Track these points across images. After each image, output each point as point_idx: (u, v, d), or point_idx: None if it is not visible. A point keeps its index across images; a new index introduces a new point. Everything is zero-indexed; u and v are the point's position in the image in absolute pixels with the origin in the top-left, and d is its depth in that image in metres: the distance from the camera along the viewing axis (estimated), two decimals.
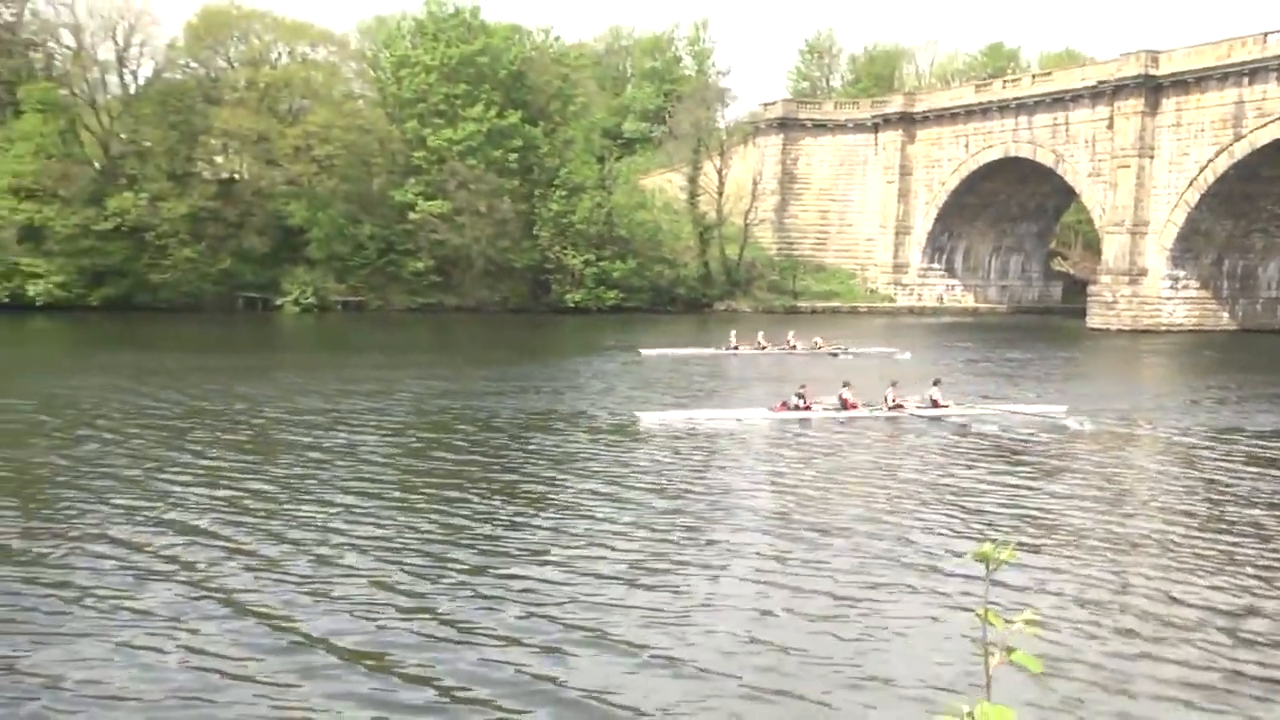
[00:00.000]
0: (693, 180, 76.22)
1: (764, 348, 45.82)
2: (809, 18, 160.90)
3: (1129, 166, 59.11)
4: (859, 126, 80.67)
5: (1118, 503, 18.90)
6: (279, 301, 62.58)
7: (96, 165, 62.22)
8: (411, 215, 64.51)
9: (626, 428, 25.93)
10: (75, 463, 20.52)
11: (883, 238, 79.58)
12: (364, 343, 49.52)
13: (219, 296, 62.08)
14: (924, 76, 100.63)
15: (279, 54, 67.87)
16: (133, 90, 64.84)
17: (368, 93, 71.34)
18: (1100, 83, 60.86)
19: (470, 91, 65.95)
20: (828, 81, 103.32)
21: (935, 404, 28.05)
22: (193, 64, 66.36)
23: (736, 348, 45.55)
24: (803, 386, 27.59)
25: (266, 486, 18.79)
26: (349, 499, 17.72)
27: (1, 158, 58.68)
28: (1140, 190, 58.94)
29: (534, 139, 68.53)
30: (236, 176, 66.15)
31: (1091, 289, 65.02)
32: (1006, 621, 2.19)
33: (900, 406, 27.77)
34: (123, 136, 63.44)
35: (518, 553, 14.78)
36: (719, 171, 74.75)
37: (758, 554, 14.95)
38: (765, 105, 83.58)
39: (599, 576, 13.53)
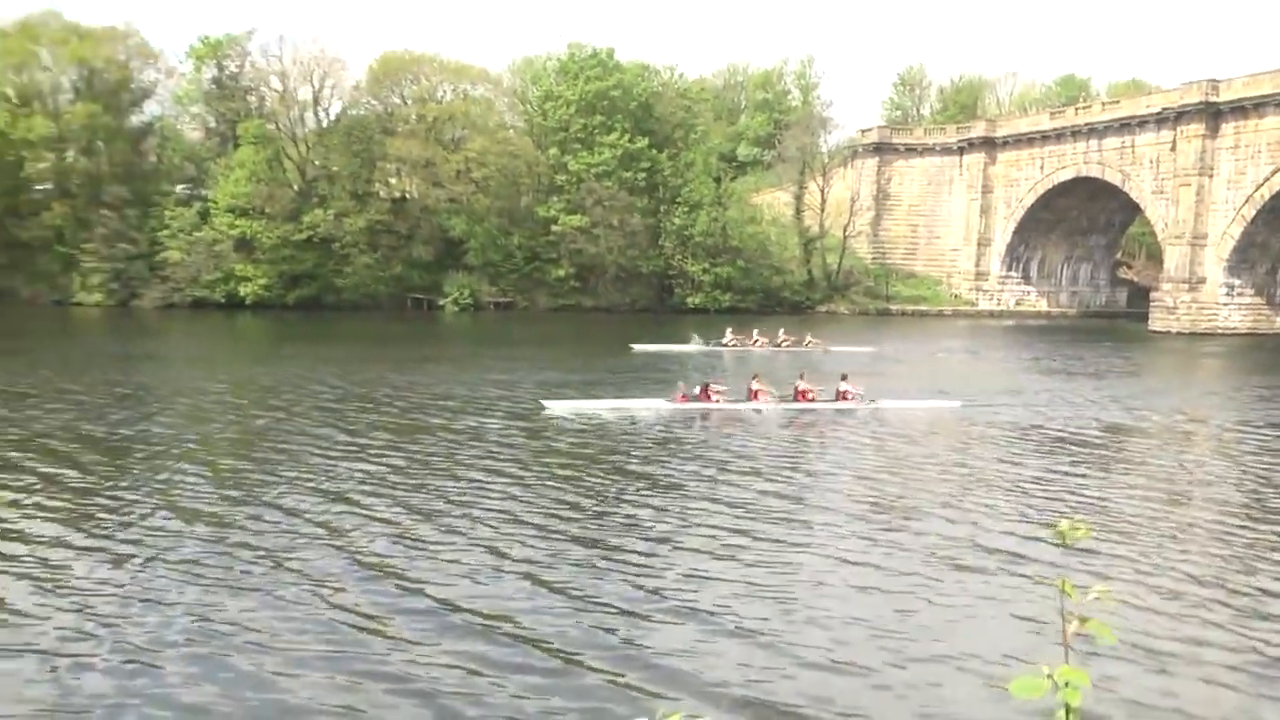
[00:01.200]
0: (798, 198, 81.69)
1: (755, 343, 47.24)
2: (902, 52, 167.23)
3: (1190, 184, 62.53)
4: (945, 150, 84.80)
5: (1162, 492, 18.95)
6: (441, 302, 70.44)
7: (295, 187, 70.59)
8: (554, 228, 71.72)
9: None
10: (252, 436, 22.89)
11: (966, 248, 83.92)
12: (511, 337, 53.58)
13: (391, 297, 70.43)
14: (1004, 105, 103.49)
15: (444, 91, 75.07)
16: (324, 124, 73.46)
17: (518, 123, 77.58)
18: (1165, 109, 64.46)
19: (605, 121, 72.96)
20: (918, 110, 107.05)
21: (842, 396, 28.54)
22: (373, 101, 74.21)
23: (729, 343, 47.23)
24: (717, 381, 28.95)
25: (408, 463, 19.96)
26: (481, 475, 18.80)
27: (224, 183, 68.37)
28: (1200, 206, 62.26)
29: (660, 162, 75.01)
30: (407, 195, 73.51)
31: (1154, 295, 67.75)
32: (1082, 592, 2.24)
33: (806, 396, 28.31)
34: (316, 163, 71.91)
35: (628, 526, 15.50)
36: (821, 190, 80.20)
37: (853, 534, 15.38)
38: (863, 131, 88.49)
39: (698, 552, 14.00)
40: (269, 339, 54.08)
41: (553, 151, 73.20)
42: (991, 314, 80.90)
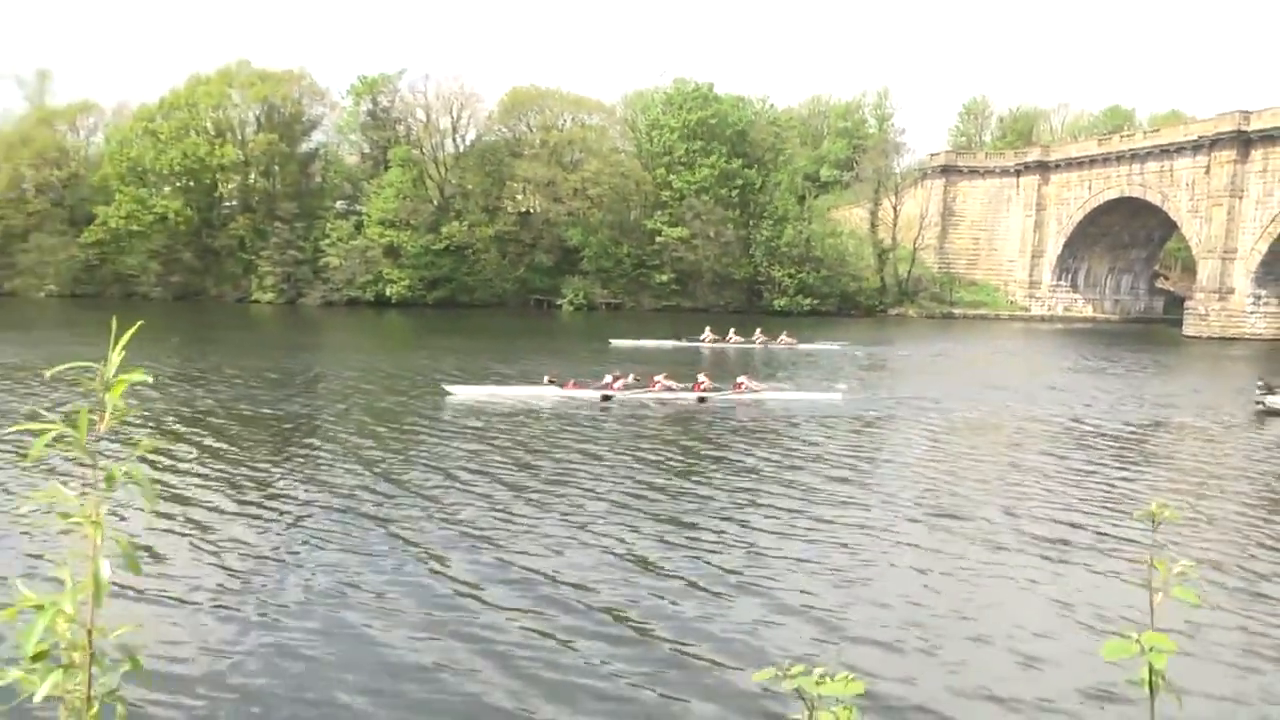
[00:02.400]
0: (873, 213, 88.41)
1: (730, 340, 49.59)
2: (967, 84, 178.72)
3: (1222, 204, 66.50)
4: (1004, 172, 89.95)
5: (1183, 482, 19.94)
6: (559, 302, 79.12)
7: (435, 203, 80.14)
8: (658, 239, 79.93)
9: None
10: (379, 414, 25.77)
11: (1021, 260, 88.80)
12: (613, 332, 54.00)
13: (516, 297, 79.44)
14: (1056, 132, 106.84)
15: (565, 120, 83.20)
16: (461, 149, 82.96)
17: (628, 147, 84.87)
18: (1200, 137, 68.48)
19: (704, 145, 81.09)
20: (980, 136, 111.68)
21: (739, 386, 30.03)
22: (503, 129, 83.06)
23: (706, 339, 49.69)
24: (617, 375, 30.02)
25: (511, 444, 22.07)
26: (589, 458, 20.51)
27: (376, 199, 78.64)
28: (1230, 224, 66.13)
29: (751, 181, 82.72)
30: (531, 210, 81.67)
31: (1188, 303, 70.99)
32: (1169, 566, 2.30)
33: (701, 386, 29.85)
34: (453, 182, 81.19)
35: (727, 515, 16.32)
36: (894, 207, 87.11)
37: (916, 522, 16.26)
38: (931, 155, 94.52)
39: (775, 534, 14.83)
40: (410, 332, 60.01)
41: (658, 172, 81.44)
42: (1043, 318, 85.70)
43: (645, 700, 9.48)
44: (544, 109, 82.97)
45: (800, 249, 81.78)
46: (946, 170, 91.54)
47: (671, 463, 20.96)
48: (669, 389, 29.75)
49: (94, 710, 1.98)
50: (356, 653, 10.33)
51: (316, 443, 22.41)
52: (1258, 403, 30.19)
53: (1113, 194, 79.64)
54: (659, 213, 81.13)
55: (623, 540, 14.69)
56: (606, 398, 28.87)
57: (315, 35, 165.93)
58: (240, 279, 79.68)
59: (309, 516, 15.70)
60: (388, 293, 77.11)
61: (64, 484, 2.06)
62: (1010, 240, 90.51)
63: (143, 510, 13.92)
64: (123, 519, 14.09)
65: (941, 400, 31.76)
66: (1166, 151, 73.13)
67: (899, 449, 23.89)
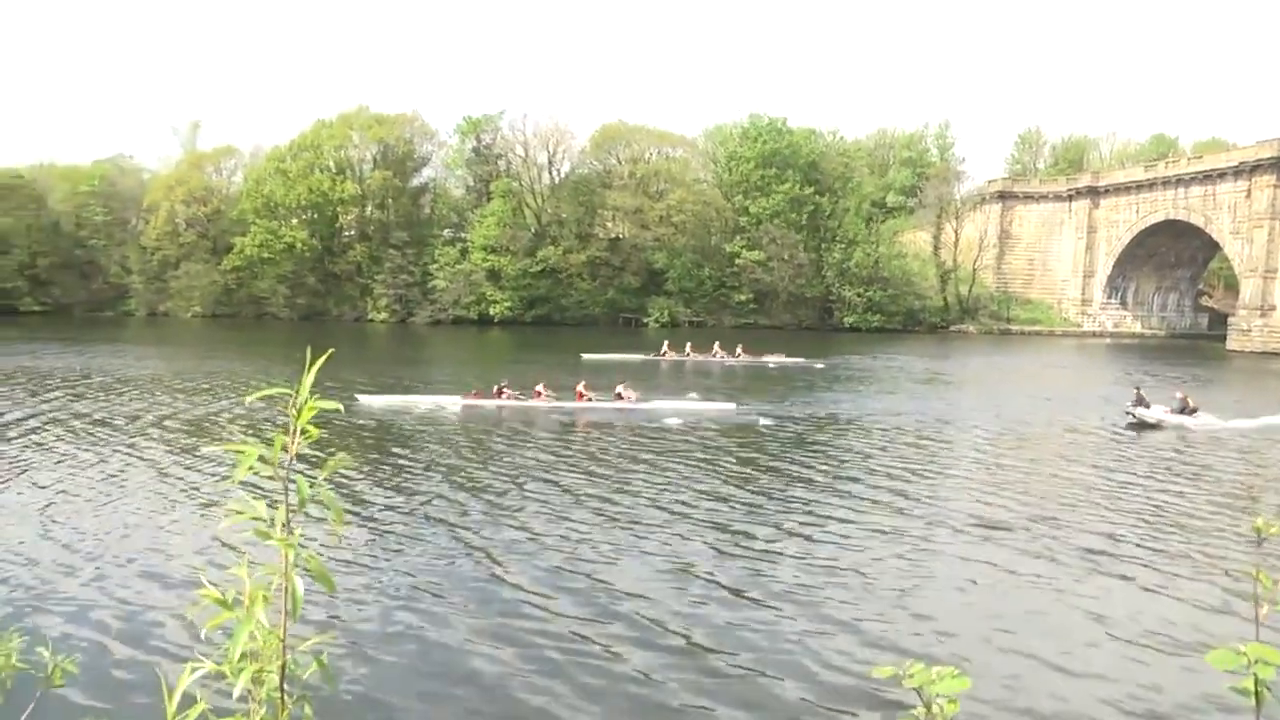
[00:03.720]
0: (935, 237, 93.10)
1: (689, 355, 51.03)
2: (1021, 115, 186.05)
3: (1262, 226, 69.18)
4: (1057, 197, 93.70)
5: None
6: (646, 320, 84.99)
7: (532, 230, 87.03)
8: (736, 261, 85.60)
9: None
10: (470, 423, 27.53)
11: (1073, 279, 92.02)
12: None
13: (606, 315, 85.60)
14: (1105, 159, 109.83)
15: (651, 153, 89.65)
16: (556, 181, 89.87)
17: (708, 177, 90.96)
18: (1242, 163, 71.49)
19: (778, 174, 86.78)
20: (1034, 164, 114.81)
21: (618, 397, 30.52)
22: (595, 162, 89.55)
23: (665, 354, 51.14)
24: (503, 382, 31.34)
25: (603, 452, 23.21)
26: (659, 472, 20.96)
27: (479, 227, 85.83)
28: (1271, 244, 68.74)
29: (822, 207, 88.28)
30: (620, 236, 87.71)
31: (1231, 320, 73.35)
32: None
33: (582, 397, 30.55)
34: (549, 211, 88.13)
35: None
36: (955, 230, 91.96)
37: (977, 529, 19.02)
38: (989, 182, 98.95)
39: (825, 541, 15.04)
40: (506, 347, 63.79)
41: (736, 199, 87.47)
42: (1094, 334, 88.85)
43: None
44: (631, 143, 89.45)
45: (869, 270, 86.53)
46: (1003, 196, 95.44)
47: (715, 477, 21.35)
48: (551, 398, 30.80)
49: (286, 712, 2.15)
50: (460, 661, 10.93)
51: (394, 443, 24.89)
52: (1128, 413, 29.93)
53: (1159, 217, 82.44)
54: (737, 237, 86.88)
55: (635, 548, 15.56)
56: (500, 407, 30.01)
57: (426, 80, 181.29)
58: (357, 300, 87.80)
59: (398, 521, 17.09)
60: (490, 312, 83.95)
61: (254, 498, 2.21)
62: (1063, 261, 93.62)
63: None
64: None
65: (1001, 411, 32.82)
66: (1209, 177, 75.95)
67: (951, 460, 24.51)
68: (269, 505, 2.28)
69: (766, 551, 15.32)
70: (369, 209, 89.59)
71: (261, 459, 2.18)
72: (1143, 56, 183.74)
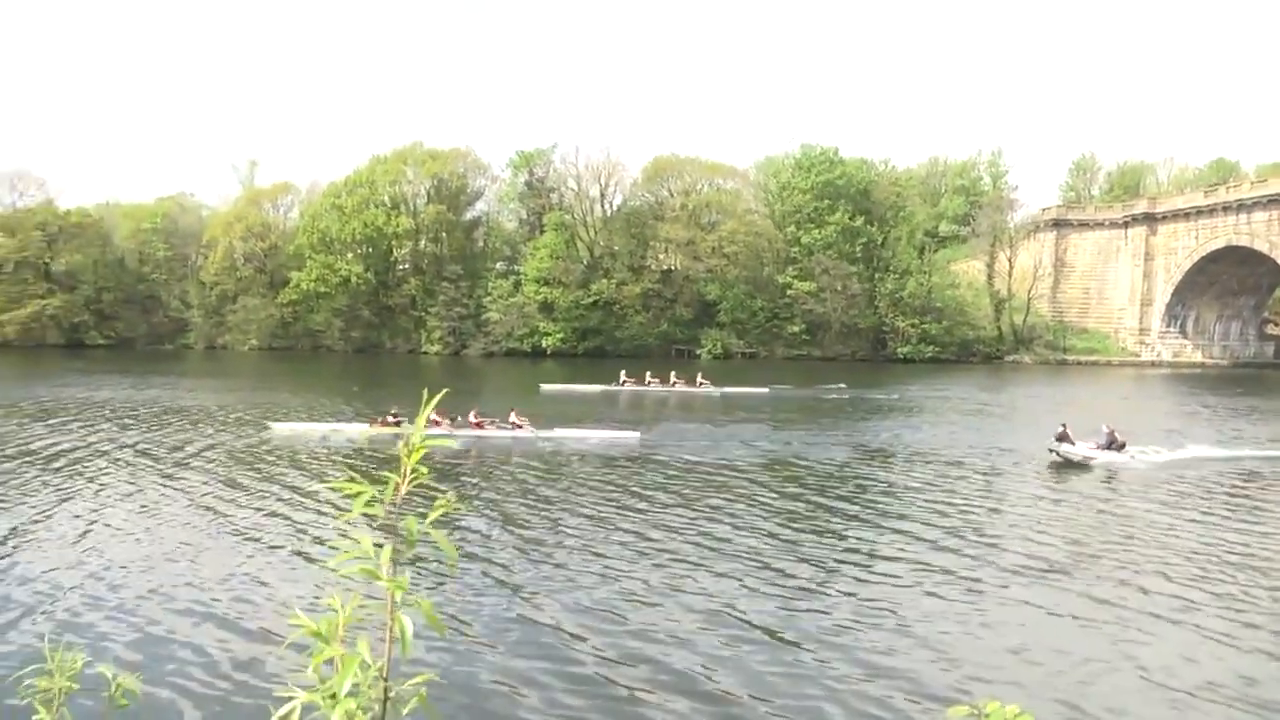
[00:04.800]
0: (989, 265, 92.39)
1: (649, 384, 50.92)
2: (1075, 141, 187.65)
3: None
4: (1113, 224, 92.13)
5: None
6: (698, 351, 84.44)
7: (585, 263, 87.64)
8: (789, 292, 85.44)
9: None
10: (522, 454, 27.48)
11: (1131, 308, 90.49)
12: (750, 379, 56.99)
13: (659, 347, 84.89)
14: (1162, 185, 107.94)
15: (702, 185, 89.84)
16: (608, 213, 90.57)
17: (760, 208, 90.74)
18: None
19: (830, 204, 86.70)
20: (1089, 190, 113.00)
21: (514, 425, 30.49)
22: (647, 194, 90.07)
23: (624, 383, 50.82)
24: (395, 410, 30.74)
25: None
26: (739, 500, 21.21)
27: (532, 260, 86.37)
28: None
29: (874, 237, 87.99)
30: (672, 268, 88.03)
31: None
32: None
33: (480, 425, 30.27)
34: (601, 243, 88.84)
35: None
36: (1009, 258, 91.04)
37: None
38: (1043, 210, 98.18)
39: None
40: (557, 378, 59.25)
41: (789, 230, 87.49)
42: (1152, 364, 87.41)
43: None
44: (683, 175, 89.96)
45: (922, 300, 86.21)
46: (1058, 223, 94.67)
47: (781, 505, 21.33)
48: (443, 424, 29.79)
49: None
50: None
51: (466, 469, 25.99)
52: (1051, 450, 28.64)
53: (1220, 243, 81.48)
54: (790, 268, 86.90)
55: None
56: (398, 427, 28.80)
57: (479, 115, 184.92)
58: (412, 333, 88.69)
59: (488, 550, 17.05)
60: (543, 344, 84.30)
61: (356, 536, 2.19)
62: (1120, 289, 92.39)
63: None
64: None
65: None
66: (1274, 200, 75.16)
67: (1001, 494, 23.82)
68: (375, 544, 2.27)
69: (798, 589, 14.90)
70: (423, 243, 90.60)
71: (374, 500, 2.20)
72: (1202, 80, 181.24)
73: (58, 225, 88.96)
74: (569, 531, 18.48)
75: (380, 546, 2.25)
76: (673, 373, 52.76)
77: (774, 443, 31.91)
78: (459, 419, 30.18)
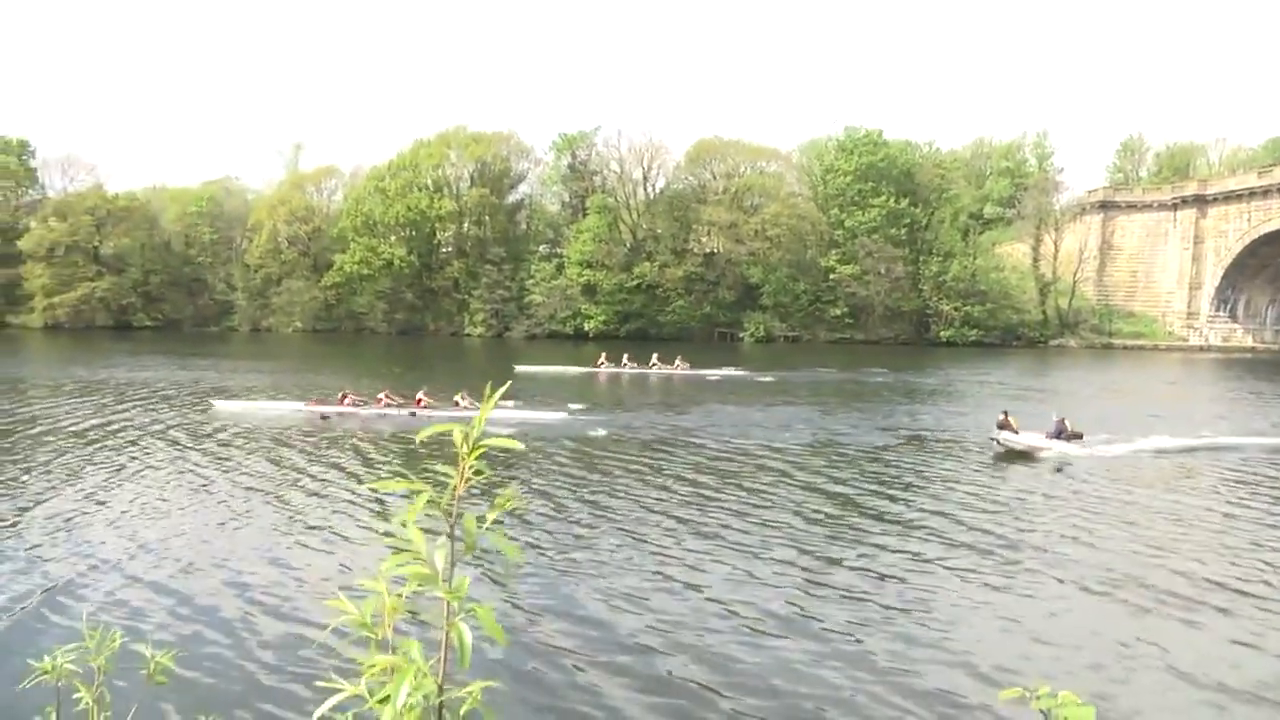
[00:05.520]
0: (1034, 248, 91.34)
1: (626, 366, 50.92)
2: (1123, 121, 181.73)
3: None
4: (1161, 206, 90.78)
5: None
6: (741, 335, 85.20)
7: (628, 245, 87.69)
8: (832, 275, 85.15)
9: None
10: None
11: (1179, 291, 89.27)
12: (794, 362, 58.96)
13: (701, 330, 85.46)
14: (1213, 166, 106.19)
15: (745, 168, 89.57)
16: (651, 196, 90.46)
17: (803, 191, 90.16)
18: None
19: (874, 187, 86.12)
20: (1137, 172, 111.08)
21: (457, 405, 30.06)
22: (689, 177, 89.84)
23: (601, 365, 50.99)
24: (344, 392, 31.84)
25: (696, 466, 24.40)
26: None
27: (574, 243, 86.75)
28: None
29: (918, 219, 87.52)
30: (715, 251, 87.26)
31: None
32: None
33: (421, 404, 30.70)
34: (644, 226, 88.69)
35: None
36: (1054, 241, 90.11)
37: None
38: (1089, 192, 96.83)
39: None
40: (585, 361, 60.97)
41: (832, 213, 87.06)
42: (1201, 349, 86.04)
43: None
44: (726, 158, 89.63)
45: (966, 283, 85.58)
46: (1105, 205, 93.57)
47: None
48: (390, 405, 30.98)
49: None
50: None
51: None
52: (992, 438, 26.89)
53: (1272, 225, 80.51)
54: (833, 251, 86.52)
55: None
56: (324, 416, 30.39)
57: (522, 98, 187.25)
58: (455, 315, 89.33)
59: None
60: (585, 327, 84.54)
61: (409, 535, 2.08)
62: (1168, 272, 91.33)
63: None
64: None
65: (1111, 429, 29.86)
66: None
67: (1042, 483, 22.73)
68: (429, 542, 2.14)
69: (811, 580, 14.39)
70: (466, 226, 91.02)
71: (432, 501, 2.07)
72: (1256, 58, 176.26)
73: (106, 209, 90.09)
74: (598, 520, 18.15)
75: (434, 541, 2.11)
76: (655, 354, 52.98)
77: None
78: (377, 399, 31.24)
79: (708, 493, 20.52)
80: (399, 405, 30.77)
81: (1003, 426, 26.62)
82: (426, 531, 2.13)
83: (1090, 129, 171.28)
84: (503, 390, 2.28)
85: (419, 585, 2.08)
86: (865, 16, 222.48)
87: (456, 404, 30.30)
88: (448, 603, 2.07)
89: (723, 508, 18.96)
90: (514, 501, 2.21)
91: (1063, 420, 27.03)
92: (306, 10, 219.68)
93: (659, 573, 14.44)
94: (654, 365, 51.00)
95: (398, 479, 2.23)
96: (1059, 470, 24.29)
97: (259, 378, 45.16)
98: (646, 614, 12.69)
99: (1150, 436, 28.58)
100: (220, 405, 31.98)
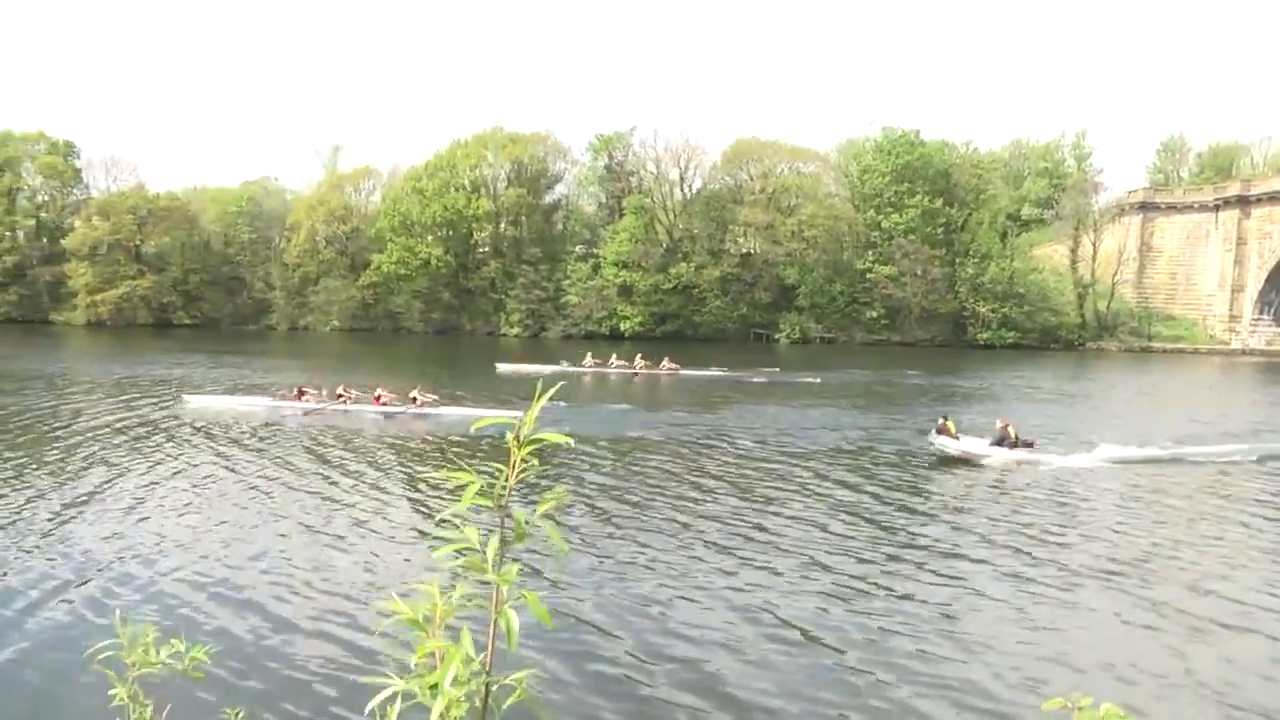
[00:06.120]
0: (1073, 250, 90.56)
1: (611, 365, 51.23)
2: (1163, 121, 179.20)
3: None
4: (1203, 207, 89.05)
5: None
6: (777, 336, 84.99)
7: (664, 246, 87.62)
8: (868, 277, 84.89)
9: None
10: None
11: (1220, 294, 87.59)
12: (824, 363, 59.96)
13: (737, 331, 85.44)
14: (1257, 166, 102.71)
15: (782, 168, 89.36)
16: (688, 197, 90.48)
17: (840, 191, 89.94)
18: None
19: (910, 187, 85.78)
20: (1177, 172, 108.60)
21: (415, 401, 31.46)
22: (726, 178, 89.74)
23: (586, 364, 50.98)
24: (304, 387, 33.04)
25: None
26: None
27: (611, 243, 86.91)
28: None
29: (955, 220, 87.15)
30: (751, 252, 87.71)
31: None
32: None
33: (342, 399, 31.92)
34: (680, 227, 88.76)
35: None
36: (1093, 243, 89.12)
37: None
38: (1129, 192, 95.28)
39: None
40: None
41: (868, 214, 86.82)
42: (1242, 352, 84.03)
43: None
44: (763, 158, 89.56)
45: (1003, 285, 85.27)
46: (1144, 206, 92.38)
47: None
48: (349, 400, 32.13)
49: None
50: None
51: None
52: (930, 442, 26.22)
53: None
54: (869, 252, 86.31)
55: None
56: (307, 411, 31.35)
57: (559, 99, 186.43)
58: (491, 315, 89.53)
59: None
60: (621, 327, 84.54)
61: (459, 526, 2.11)
62: (1209, 275, 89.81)
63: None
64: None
65: (1148, 436, 29.82)
66: None
67: (1086, 488, 22.47)
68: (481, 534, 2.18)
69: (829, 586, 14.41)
70: (503, 226, 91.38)
71: (483, 492, 2.09)
72: None
73: (148, 209, 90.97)
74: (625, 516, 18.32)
75: (486, 534, 2.15)
76: (639, 355, 52.91)
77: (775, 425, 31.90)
78: (323, 393, 32.45)
79: (748, 497, 20.79)
80: (356, 400, 32.01)
81: (941, 431, 25.98)
82: (475, 523, 2.18)
83: (1130, 129, 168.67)
84: (551, 392, 2.31)
85: (468, 571, 2.11)
86: (903, 15, 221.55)
87: (414, 400, 31.47)
88: (497, 589, 2.10)
89: (760, 510, 19.26)
90: (564, 498, 2.28)
91: (1006, 426, 26.23)
92: (346, 13, 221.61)
93: (689, 577, 14.51)
94: (639, 366, 51.10)
95: (450, 471, 2.22)
96: (1060, 477, 23.90)
97: (296, 376, 44.94)
98: (682, 615, 12.81)
99: (1100, 447, 27.18)
100: (190, 399, 33.10)
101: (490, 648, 2.12)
